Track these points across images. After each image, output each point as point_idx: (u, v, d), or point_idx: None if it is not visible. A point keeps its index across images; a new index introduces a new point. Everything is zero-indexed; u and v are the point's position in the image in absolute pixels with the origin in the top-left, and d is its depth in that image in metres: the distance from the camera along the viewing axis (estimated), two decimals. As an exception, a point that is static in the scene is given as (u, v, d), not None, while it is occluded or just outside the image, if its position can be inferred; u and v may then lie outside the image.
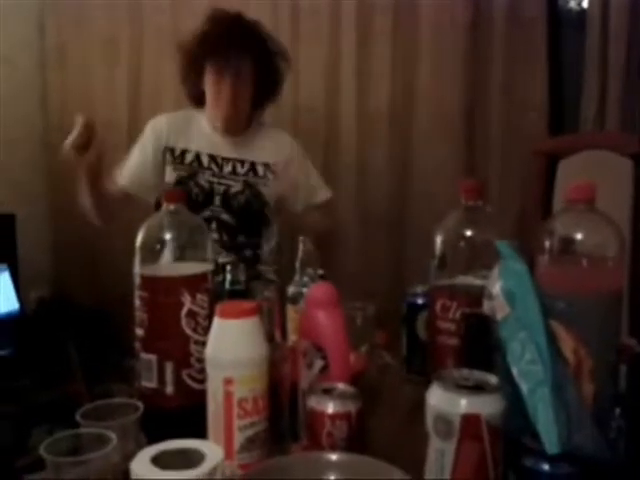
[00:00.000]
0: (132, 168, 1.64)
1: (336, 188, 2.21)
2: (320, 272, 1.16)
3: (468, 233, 0.87)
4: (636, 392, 0.61)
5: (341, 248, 2.19)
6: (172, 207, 0.88)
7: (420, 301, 1.08)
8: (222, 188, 1.64)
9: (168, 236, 0.86)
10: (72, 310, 2.54)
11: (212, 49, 1.58)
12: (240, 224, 1.65)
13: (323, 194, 1.78)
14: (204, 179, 1.64)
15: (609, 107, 1.99)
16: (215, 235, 1.59)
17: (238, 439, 0.74)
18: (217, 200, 1.64)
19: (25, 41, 2.70)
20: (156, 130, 1.66)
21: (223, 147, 1.66)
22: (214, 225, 1.61)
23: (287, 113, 2.25)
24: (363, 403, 0.77)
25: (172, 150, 1.65)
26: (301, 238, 1.16)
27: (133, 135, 1.82)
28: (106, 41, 2.58)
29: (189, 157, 1.64)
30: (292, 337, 1.05)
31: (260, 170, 1.67)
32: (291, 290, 1.13)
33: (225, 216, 1.64)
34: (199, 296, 0.84)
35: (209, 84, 1.62)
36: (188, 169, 1.63)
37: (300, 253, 1.16)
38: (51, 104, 2.76)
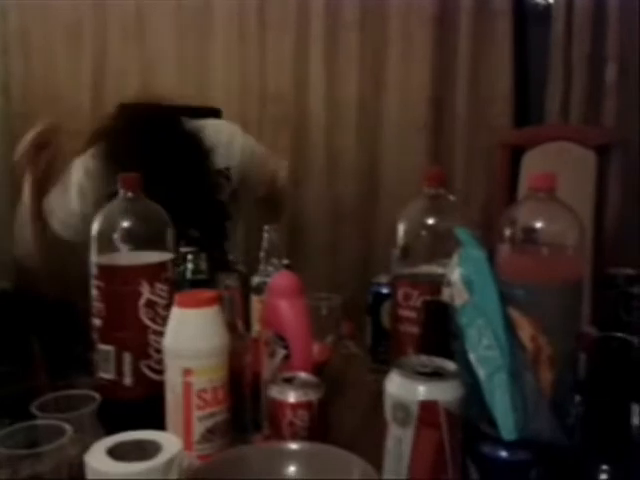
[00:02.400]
0: (68, 215, 1.46)
1: (305, 176, 2.21)
2: (285, 262, 1.15)
3: (430, 221, 0.87)
4: (594, 379, 0.62)
5: (308, 238, 2.18)
6: (129, 194, 0.85)
7: (385, 290, 1.08)
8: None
9: (125, 224, 0.84)
10: (35, 302, 2.48)
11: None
12: (205, 231, 1.59)
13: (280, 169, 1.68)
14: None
15: (573, 99, 2.02)
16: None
17: (197, 430, 0.73)
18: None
19: (-16, 26, 2.62)
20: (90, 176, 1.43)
21: None
22: (182, 243, 1.49)
23: (254, 102, 2.23)
24: (326, 393, 0.77)
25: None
26: (265, 228, 1.15)
27: (97, 121, 1.77)
28: (70, 25, 2.52)
29: None
30: (256, 327, 1.04)
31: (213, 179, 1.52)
32: (255, 280, 1.12)
33: (192, 232, 1.56)
34: (158, 285, 0.82)
35: None
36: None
37: (264, 243, 1.14)
38: (14, 90, 2.69)
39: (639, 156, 1.98)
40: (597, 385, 0.54)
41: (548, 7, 2.10)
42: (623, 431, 0.53)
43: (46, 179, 1.36)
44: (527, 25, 2.16)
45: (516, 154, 1.92)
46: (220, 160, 1.56)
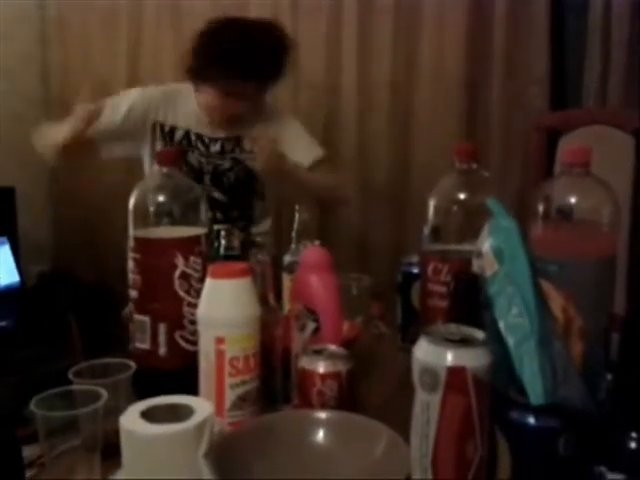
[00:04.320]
0: (112, 122, 1.58)
1: (337, 159, 2.21)
2: (316, 242, 1.15)
3: (462, 197, 0.87)
4: (625, 358, 0.61)
5: (341, 221, 2.19)
6: (165, 170, 0.87)
7: (415, 270, 1.08)
8: (211, 167, 1.63)
9: (161, 199, 0.86)
10: (72, 285, 2.55)
11: (224, 75, 1.52)
12: (231, 200, 1.64)
13: (316, 152, 1.69)
14: (193, 157, 1.62)
15: (611, 83, 1.97)
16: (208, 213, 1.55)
17: (229, 397, 0.74)
18: (207, 179, 1.62)
19: (24, 14, 2.68)
20: (148, 99, 1.62)
21: (212, 127, 1.63)
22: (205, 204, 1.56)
23: (287, 89, 2.23)
24: (355, 369, 0.78)
25: (162, 126, 1.62)
26: (297, 207, 1.16)
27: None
28: (106, 13, 2.56)
29: (178, 135, 1.62)
30: (288, 305, 1.05)
31: (247, 145, 1.64)
32: (287, 259, 1.13)
33: (216, 194, 1.63)
34: (192, 258, 0.84)
35: (213, 96, 1.57)
36: (177, 147, 1.61)
37: (296, 223, 1.16)
38: (52, 78, 2.75)
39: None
40: (627, 364, 0.54)
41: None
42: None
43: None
44: (565, 8, 2.11)
45: (553, 138, 1.89)
46: (257, 127, 1.60)
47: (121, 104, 1.61)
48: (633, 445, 0.52)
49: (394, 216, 2.17)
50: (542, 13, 2.00)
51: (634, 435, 0.52)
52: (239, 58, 1.49)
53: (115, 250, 1.04)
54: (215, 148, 1.63)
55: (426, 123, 2.12)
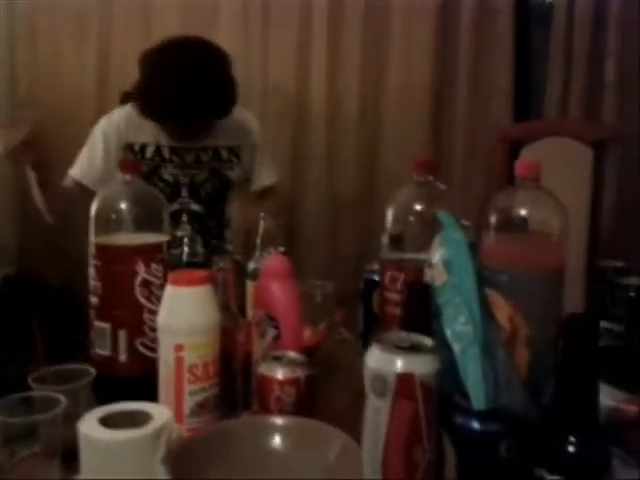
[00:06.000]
0: (90, 161, 1.59)
1: (304, 168, 2.24)
2: (281, 249, 1.17)
3: (418, 208, 0.90)
4: (564, 360, 0.64)
5: (308, 228, 2.21)
6: (128, 177, 0.88)
7: (377, 277, 1.10)
8: (187, 179, 1.62)
9: (123, 206, 0.87)
10: (37, 289, 2.51)
11: (171, 115, 1.49)
12: (208, 211, 1.64)
13: (272, 177, 1.74)
14: (167, 172, 1.60)
15: (572, 95, 2.03)
16: (186, 226, 1.56)
17: (188, 404, 0.75)
18: (184, 191, 1.62)
19: (-8, 15, 2.65)
20: (115, 125, 1.60)
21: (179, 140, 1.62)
22: (184, 217, 1.57)
23: (256, 95, 2.25)
24: (316, 375, 0.80)
25: (132, 145, 1.60)
26: (262, 215, 1.17)
27: (101, 110, 1.80)
28: (76, 15, 2.54)
29: (149, 151, 1.60)
30: (251, 312, 1.06)
31: (224, 154, 1.64)
32: (251, 266, 1.14)
33: (194, 206, 1.62)
34: (154, 266, 0.85)
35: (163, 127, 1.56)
36: (150, 164, 1.59)
37: (261, 230, 1.17)
38: (20, 79, 2.71)
39: (636, 152, 2.00)
40: (567, 366, 0.57)
41: (550, 4, 2.12)
42: (590, 408, 0.56)
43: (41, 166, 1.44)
44: (529, 21, 2.18)
45: (516, 148, 1.94)
46: (232, 137, 1.61)
47: (95, 148, 1.60)
48: (571, 448, 0.54)
49: (360, 223, 2.20)
50: (507, 26, 2.06)
51: (572, 439, 0.55)
52: (179, 110, 1.46)
53: (82, 254, 1.04)
54: (190, 159, 1.62)
55: (393, 133, 2.16)
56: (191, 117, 1.49)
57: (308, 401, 0.78)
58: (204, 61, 1.48)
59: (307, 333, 0.97)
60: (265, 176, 1.73)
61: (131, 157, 1.60)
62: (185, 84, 1.43)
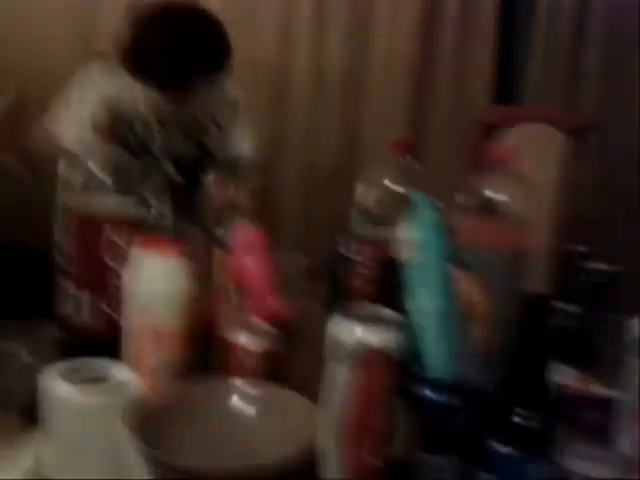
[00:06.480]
0: (77, 126, 1.48)
1: (284, 143, 2.23)
2: (252, 219, 1.17)
3: (391, 186, 0.90)
4: (521, 338, 0.66)
5: (285, 199, 2.21)
6: (103, 141, 0.87)
7: (347, 251, 1.11)
8: (169, 147, 1.57)
9: (94, 168, 0.86)
10: (6, 246, 2.47)
11: (167, 76, 1.46)
12: (189, 180, 1.61)
13: (251, 151, 1.71)
14: (149, 139, 1.53)
15: (552, 82, 2.05)
16: (167, 196, 1.55)
17: (151, 366, 0.76)
18: (166, 162, 1.56)
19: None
20: (102, 90, 1.52)
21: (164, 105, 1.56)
22: (166, 188, 1.51)
23: (240, 66, 2.21)
24: (281, 341, 0.81)
25: (114, 109, 1.49)
26: (231, 185, 1.17)
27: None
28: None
29: (131, 115, 1.51)
30: (218, 280, 1.07)
31: (208, 125, 1.61)
32: (220, 234, 1.14)
33: (176, 176, 1.59)
34: (122, 228, 0.85)
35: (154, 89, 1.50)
36: (130, 128, 1.50)
37: (231, 198, 1.17)
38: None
39: (613, 141, 2.03)
40: (521, 343, 0.59)
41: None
42: (541, 384, 0.58)
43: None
44: (514, 6, 2.18)
45: (493, 132, 1.95)
46: (216, 108, 1.59)
47: (75, 108, 1.51)
48: (520, 421, 0.56)
49: (338, 196, 2.19)
50: (490, 10, 2.06)
51: (522, 412, 0.56)
52: (176, 71, 1.44)
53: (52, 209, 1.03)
54: (173, 127, 1.56)
55: (376, 108, 2.16)
56: (187, 79, 1.46)
57: (272, 369, 0.79)
58: (201, 24, 1.48)
59: (277, 304, 0.98)
60: (244, 149, 1.69)
61: (110, 121, 1.56)
62: (182, 47, 1.43)
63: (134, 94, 1.55)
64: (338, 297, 1.12)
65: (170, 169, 1.57)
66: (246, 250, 0.88)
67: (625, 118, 2.01)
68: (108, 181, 0.87)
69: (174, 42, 1.43)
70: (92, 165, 0.87)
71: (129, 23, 1.47)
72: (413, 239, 0.68)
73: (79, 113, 1.54)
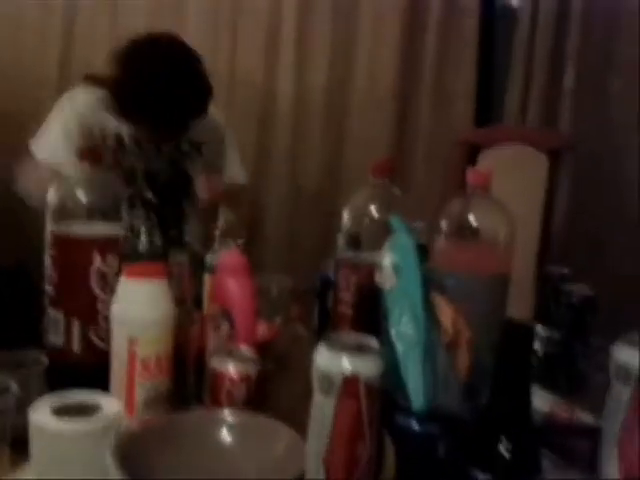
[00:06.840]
0: (56, 141, 1.54)
1: (269, 163, 2.25)
2: (240, 242, 1.18)
3: (373, 210, 0.92)
4: (501, 367, 0.67)
5: (269, 223, 2.22)
6: (87, 166, 0.88)
7: (332, 275, 1.12)
8: (143, 166, 1.59)
9: (81, 195, 0.87)
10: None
11: (153, 119, 1.49)
12: (164, 201, 1.63)
13: (242, 177, 1.76)
14: (125, 158, 1.57)
15: (532, 101, 2.09)
16: (141, 213, 1.54)
17: (140, 397, 0.76)
18: (139, 179, 1.59)
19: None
20: (78, 106, 1.56)
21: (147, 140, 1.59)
22: (138, 204, 1.55)
23: (222, 86, 2.24)
24: (269, 370, 0.81)
25: (92, 130, 1.55)
26: (221, 209, 1.18)
27: (63, 92, 1.76)
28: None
29: (109, 138, 1.55)
30: (207, 306, 1.07)
31: (185, 148, 1.62)
32: (209, 259, 1.15)
33: (148, 194, 1.61)
34: (110, 257, 0.85)
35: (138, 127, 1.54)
36: (108, 149, 1.54)
37: (220, 223, 1.18)
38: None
39: (590, 161, 2.07)
40: (503, 370, 0.60)
41: (515, 9, 2.17)
42: (524, 411, 0.59)
43: None
44: (495, 27, 2.22)
45: (473, 153, 1.98)
46: (197, 132, 1.61)
47: (57, 129, 1.56)
48: (503, 450, 0.58)
49: (322, 220, 2.22)
50: (472, 31, 2.10)
51: (505, 440, 0.58)
52: (161, 115, 1.47)
53: (38, 233, 1.03)
54: (150, 147, 1.58)
55: (358, 132, 2.18)
56: (172, 121, 1.49)
57: (258, 397, 0.79)
58: (183, 66, 1.49)
59: (262, 328, 0.99)
60: (235, 174, 1.73)
61: (90, 142, 1.57)
62: (166, 89, 1.44)
63: (117, 124, 1.57)
64: (326, 322, 1.14)
65: (151, 195, 1.59)
66: (230, 274, 0.89)
67: (603, 138, 2.05)
68: (92, 205, 0.88)
69: (156, 88, 1.44)
70: (77, 189, 0.88)
71: (113, 58, 1.48)
72: (392, 265, 0.69)
73: (62, 135, 1.55)
